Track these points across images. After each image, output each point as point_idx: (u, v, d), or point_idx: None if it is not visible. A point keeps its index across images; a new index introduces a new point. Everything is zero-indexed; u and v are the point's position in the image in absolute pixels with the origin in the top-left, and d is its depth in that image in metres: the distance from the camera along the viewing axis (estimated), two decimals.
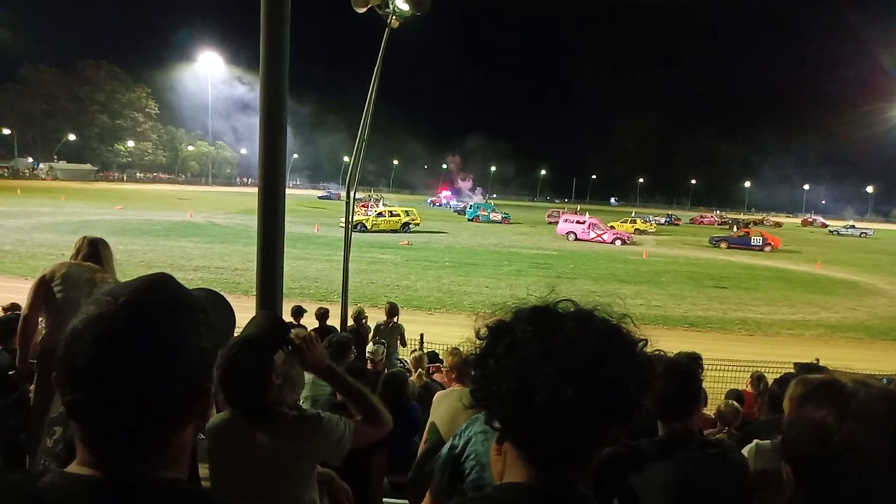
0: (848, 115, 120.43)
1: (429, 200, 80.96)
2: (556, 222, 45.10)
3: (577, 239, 39.43)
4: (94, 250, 4.06)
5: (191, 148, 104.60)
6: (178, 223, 35.07)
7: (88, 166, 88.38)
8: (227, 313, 0.99)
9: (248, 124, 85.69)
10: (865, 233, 68.04)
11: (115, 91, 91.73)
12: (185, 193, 70.53)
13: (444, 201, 76.88)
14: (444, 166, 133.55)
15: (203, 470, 2.09)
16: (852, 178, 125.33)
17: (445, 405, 3.21)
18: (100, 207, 42.03)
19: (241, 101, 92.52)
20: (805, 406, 1.02)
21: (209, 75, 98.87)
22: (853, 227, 71.73)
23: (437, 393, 3.51)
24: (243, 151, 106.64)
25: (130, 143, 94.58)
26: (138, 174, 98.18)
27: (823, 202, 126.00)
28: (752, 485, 1.95)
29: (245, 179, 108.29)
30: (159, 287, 0.84)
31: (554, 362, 0.86)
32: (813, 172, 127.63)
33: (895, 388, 3.14)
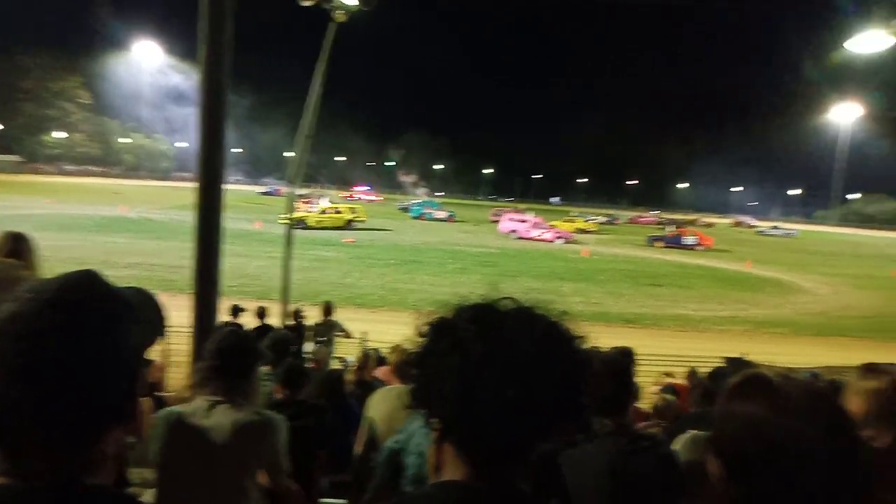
0: (776, 121, 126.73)
1: (343, 195, 79.66)
2: (500, 221, 45.57)
3: (520, 237, 39.95)
4: (16, 246, 3.84)
5: (125, 140, 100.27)
6: (110, 218, 33.63)
7: (14, 157, 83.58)
8: (156, 312, 0.96)
9: (186, 117, 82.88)
10: (790, 233, 71.57)
11: (44, 79, 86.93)
12: (119, 187, 67.61)
13: (360, 196, 76.96)
14: (389, 163, 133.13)
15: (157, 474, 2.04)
16: (778, 181, 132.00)
17: (384, 405, 3.19)
18: (27, 200, 39.82)
19: (179, 92, 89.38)
20: (734, 400, 1.05)
21: (145, 65, 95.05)
22: (778, 227, 75.35)
23: (376, 390, 3.49)
24: (181, 144, 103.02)
25: (60, 134, 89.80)
26: (68, 166, 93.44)
27: (752, 204, 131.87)
28: (683, 476, 2.03)
29: (182, 173, 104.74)
30: (84, 284, 0.81)
31: (496, 361, 0.86)
32: (743, 175, 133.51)
33: (821, 382, 3.31)
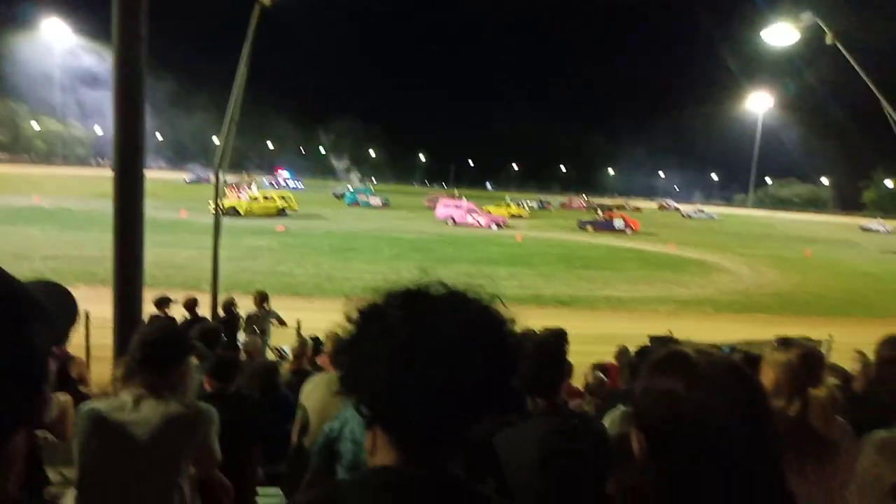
0: (697, 109, 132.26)
1: (266, 181, 77.54)
2: (435, 207, 45.66)
3: (455, 223, 40.17)
4: None
5: (36, 126, 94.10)
6: (23, 209, 31.59)
7: None
8: (67, 305, 0.90)
9: (102, 101, 78.55)
10: (712, 216, 74.98)
11: None
12: (31, 176, 63.57)
13: (281, 181, 74.60)
14: (322, 150, 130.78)
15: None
16: (699, 166, 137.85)
17: (316, 393, 3.16)
18: None
19: (93, 74, 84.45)
20: (654, 376, 1.09)
21: (55, 45, 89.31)
22: (701, 211, 78.79)
23: (309, 378, 3.44)
24: (98, 130, 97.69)
25: None
26: None
27: (676, 188, 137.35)
28: (613, 451, 2.10)
29: (101, 161, 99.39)
30: None
31: (421, 346, 0.86)
32: (666, 160, 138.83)
33: (737, 356, 3.49)
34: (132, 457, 1.94)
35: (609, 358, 7.37)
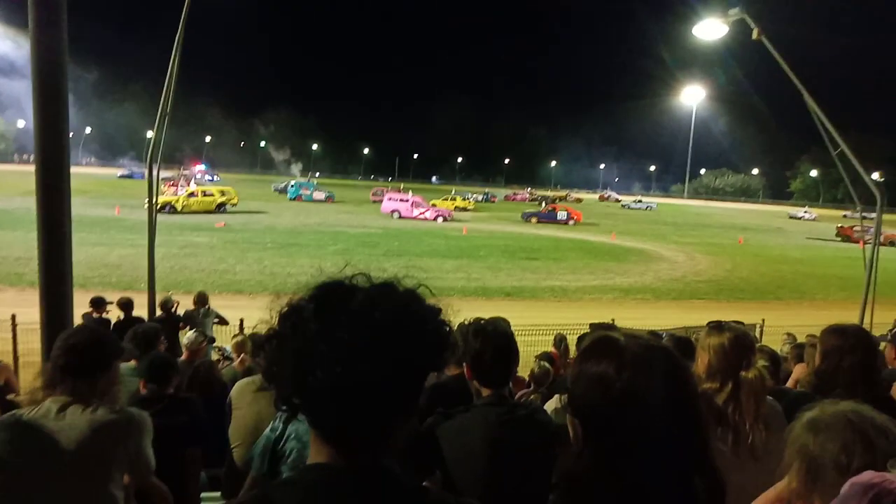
0: (633, 102, 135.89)
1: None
2: (381, 201, 45.38)
3: (401, 217, 40.06)
4: None
5: None
6: None
7: None
8: None
9: (24, 91, 74.26)
10: (650, 206, 77.26)
11: None
12: None
13: (197, 175, 71.74)
14: (262, 144, 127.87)
15: None
16: (637, 158, 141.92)
17: (248, 395, 3.08)
18: None
19: (11, 63, 79.93)
20: (586, 362, 1.12)
21: None
22: (640, 201, 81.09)
23: (237, 382, 3.35)
24: (21, 124, 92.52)
25: None
26: None
27: (616, 179, 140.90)
28: (557, 439, 2.13)
29: (25, 156, 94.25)
30: None
31: (330, 341, 0.84)
32: (607, 152, 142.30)
33: (667, 339, 3.60)
34: (58, 467, 1.84)
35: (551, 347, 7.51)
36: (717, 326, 2.19)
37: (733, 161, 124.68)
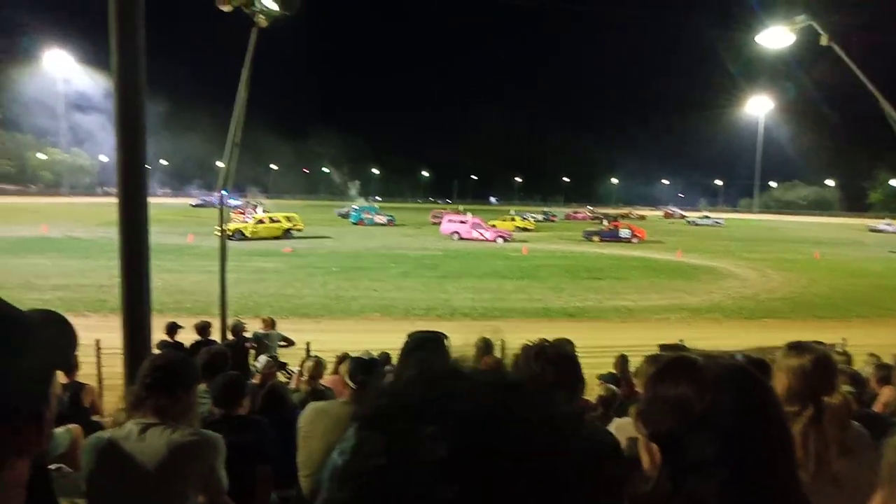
0: (696, 115, 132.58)
1: (201, 199, 76.60)
2: (440, 223, 45.72)
3: (460, 238, 40.21)
4: None
5: (41, 156, 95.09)
6: (30, 239, 31.82)
7: None
8: (64, 333, 0.89)
9: (107, 129, 79.37)
10: (718, 222, 74.78)
11: None
12: (38, 206, 64.14)
13: (213, 198, 73.79)
14: (326, 170, 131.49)
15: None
16: (703, 172, 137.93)
17: (320, 424, 3.03)
18: None
19: (95, 103, 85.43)
20: (661, 383, 1.08)
21: (61, 76, 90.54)
22: (707, 217, 78.60)
23: (308, 405, 3.27)
24: (103, 159, 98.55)
25: None
26: None
27: (680, 195, 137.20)
28: (627, 463, 2.07)
29: (107, 189, 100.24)
30: None
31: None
32: (669, 168, 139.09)
33: (743, 360, 3.45)
34: (139, 486, 1.93)
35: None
36: (796, 347, 2.08)
37: (805, 173, 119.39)
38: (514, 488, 0.48)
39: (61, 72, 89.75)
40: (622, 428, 2.50)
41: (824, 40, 7.90)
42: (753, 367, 1.15)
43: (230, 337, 8.34)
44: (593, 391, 5.06)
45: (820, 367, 1.99)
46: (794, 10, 8.15)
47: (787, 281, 25.54)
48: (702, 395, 1.02)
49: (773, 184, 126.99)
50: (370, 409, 0.55)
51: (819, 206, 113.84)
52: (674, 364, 1.11)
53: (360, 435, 0.54)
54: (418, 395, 0.54)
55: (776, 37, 8.45)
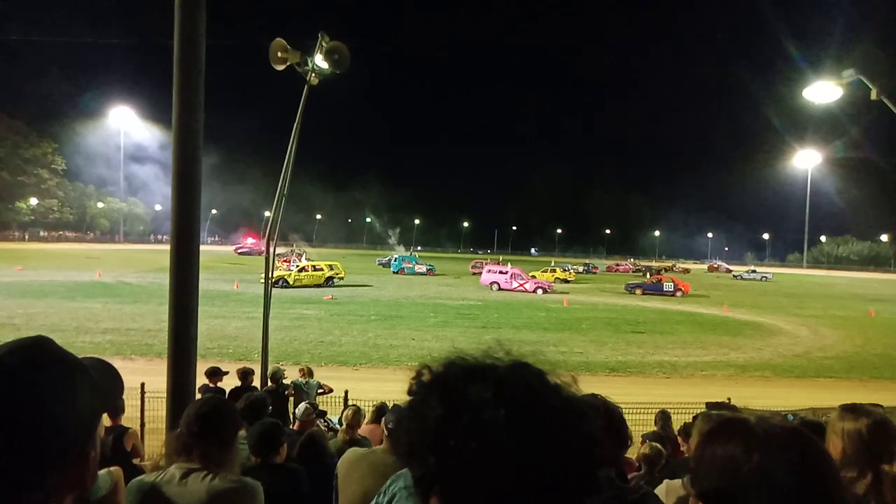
0: (742, 168, 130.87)
1: (235, 248, 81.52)
2: (480, 273, 45.73)
3: (500, 289, 40.04)
4: None
5: (101, 205, 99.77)
6: (84, 283, 33.05)
7: None
8: (112, 378, 0.94)
9: (164, 180, 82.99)
10: (766, 276, 72.70)
11: (17, 146, 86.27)
12: (94, 252, 66.89)
13: (250, 248, 77.68)
14: (368, 219, 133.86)
15: None
16: (749, 226, 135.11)
17: (356, 472, 3.03)
18: None
19: (153, 155, 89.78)
20: (712, 442, 1.07)
21: (121, 129, 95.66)
22: (754, 271, 76.55)
23: (347, 452, 3.26)
24: (158, 207, 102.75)
25: (33, 201, 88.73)
26: (42, 233, 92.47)
27: (726, 248, 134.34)
28: None
29: (159, 236, 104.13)
30: (34, 348, 0.80)
31: (530, 451, 0.78)
32: (713, 221, 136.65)
33: (796, 422, 3.31)
34: None
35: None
36: (851, 409, 1.99)
37: (857, 227, 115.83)
38: (541, 420, 0.79)
39: (122, 125, 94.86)
40: (672, 490, 2.41)
41: (874, 94, 7.78)
42: (807, 430, 1.11)
43: (270, 384, 8.40)
44: (635, 449, 4.90)
45: (878, 431, 1.90)
46: (841, 65, 8.07)
47: (840, 339, 24.48)
48: (750, 455, 1.00)
49: (823, 238, 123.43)
50: (428, 377, 0.87)
51: (873, 262, 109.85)
52: (725, 423, 1.10)
53: (422, 395, 0.85)
54: (463, 366, 0.85)
55: (824, 91, 8.35)
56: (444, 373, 0.86)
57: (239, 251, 76.84)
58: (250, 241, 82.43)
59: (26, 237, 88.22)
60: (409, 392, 0.88)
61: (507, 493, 0.76)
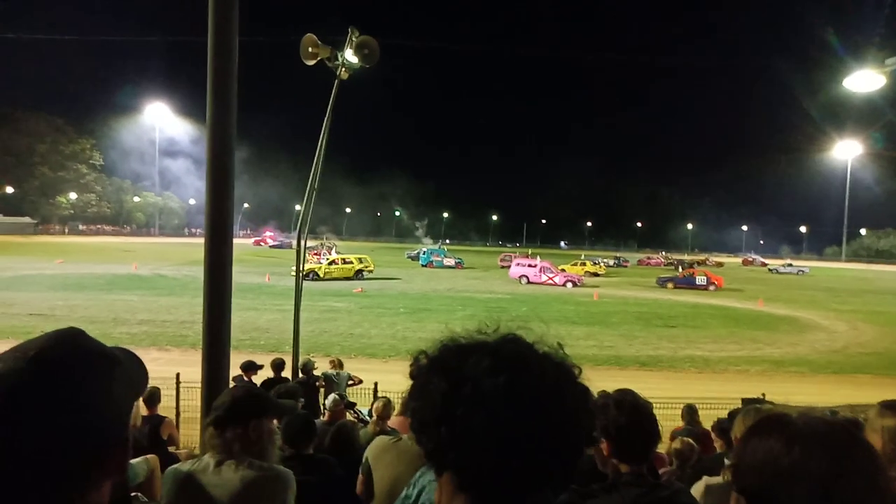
0: (779, 159, 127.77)
1: (252, 241, 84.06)
2: (509, 266, 45.57)
3: (529, 282, 39.88)
4: None
5: (137, 199, 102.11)
6: (121, 276, 33.91)
7: (27, 219, 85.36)
8: (139, 367, 0.97)
9: (197, 174, 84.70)
10: (802, 270, 71.02)
11: (58, 142, 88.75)
12: (131, 245, 68.53)
13: (269, 241, 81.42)
14: (397, 213, 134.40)
15: None
16: (785, 219, 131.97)
17: (387, 457, 3.12)
18: (38, 261, 40.35)
19: (189, 150, 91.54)
20: (753, 437, 1.07)
21: (157, 125, 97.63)
22: (791, 265, 74.81)
23: (377, 437, 3.38)
24: (192, 201, 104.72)
25: (73, 196, 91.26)
26: (81, 226, 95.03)
27: (761, 242, 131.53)
28: None
29: (194, 230, 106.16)
30: (69, 340, 0.82)
31: (530, 415, 0.85)
32: (748, 213, 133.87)
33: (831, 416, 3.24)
34: None
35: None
36: (891, 406, 1.94)
37: (892, 220, 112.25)
38: (537, 385, 0.87)
39: (157, 121, 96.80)
40: (712, 488, 2.38)
41: None
42: (851, 425, 1.11)
43: (301, 375, 8.52)
44: (664, 445, 4.85)
45: None
46: (884, 53, 7.82)
47: (880, 335, 23.81)
48: (790, 450, 1.00)
49: (863, 231, 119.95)
50: (426, 360, 0.97)
51: None
52: (767, 418, 1.10)
53: (424, 376, 0.94)
54: (458, 344, 0.96)
55: (865, 80, 8.11)
56: (441, 353, 0.95)
57: (271, 245, 77.99)
58: (268, 234, 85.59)
59: (66, 231, 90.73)
60: (411, 376, 0.98)
61: (516, 452, 0.84)
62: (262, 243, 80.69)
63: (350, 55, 7.78)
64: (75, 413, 0.77)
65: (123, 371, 0.85)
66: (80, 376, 0.79)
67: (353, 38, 7.77)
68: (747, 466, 1.05)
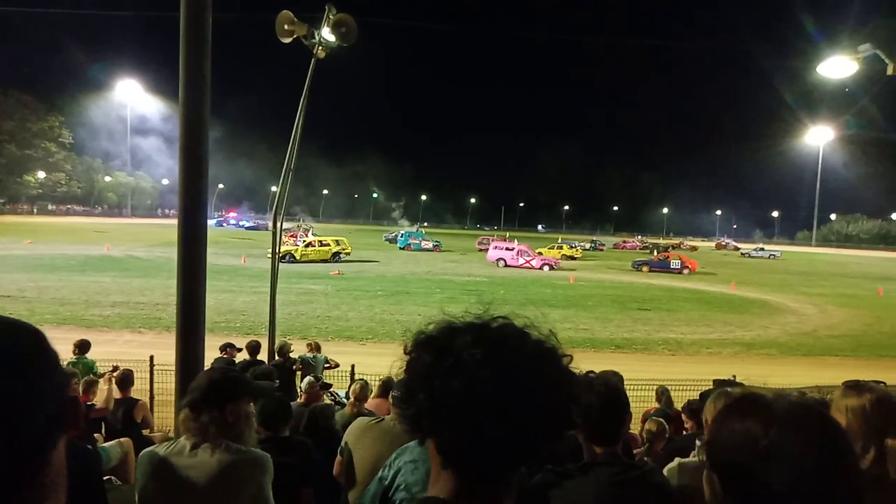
0: (752, 145, 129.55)
1: (216, 221, 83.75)
2: (487, 249, 45.71)
3: (506, 265, 40.06)
4: None
5: (108, 178, 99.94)
6: (94, 257, 33.28)
7: None
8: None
9: (169, 153, 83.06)
10: (774, 254, 72.35)
11: (25, 119, 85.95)
12: (102, 226, 67.23)
13: (231, 221, 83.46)
14: (375, 195, 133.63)
15: None
16: (758, 203, 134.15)
17: (366, 439, 3.13)
18: (7, 242, 39.39)
19: (161, 129, 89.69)
20: (729, 418, 1.09)
21: (128, 103, 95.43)
22: (762, 249, 76.16)
23: (357, 419, 3.39)
24: (165, 181, 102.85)
25: (41, 175, 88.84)
26: (50, 206, 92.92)
27: (734, 226, 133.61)
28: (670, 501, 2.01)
29: (167, 211, 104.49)
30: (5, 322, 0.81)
31: (504, 385, 0.89)
32: (722, 198, 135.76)
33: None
34: (189, 501, 1.97)
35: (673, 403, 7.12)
36: (854, 386, 1.99)
37: (868, 205, 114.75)
38: (513, 359, 0.91)
39: (128, 98, 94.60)
40: (686, 468, 2.43)
41: (891, 69, 7.64)
42: (822, 405, 1.14)
43: (277, 358, 8.48)
44: (637, 425, 4.93)
45: (881, 407, 1.90)
46: (857, 39, 7.91)
47: (848, 317, 24.43)
48: (767, 431, 1.02)
49: (832, 216, 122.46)
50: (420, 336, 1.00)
51: (883, 240, 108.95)
52: (743, 398, 1.12)
53: (415, 352, 0.99)
54: (452, 325, 0.98)
55: (839, 66, 8.21)
56: (435, 332, 1.00)
57: (246, 226, 77.11)
58: (231, 214, 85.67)
59: (35, 211, 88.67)
60: (405, 352, 1.03)
61: (491, 422, 0.88)
62: (224, 224, 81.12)
63: (327, 33, 7.65)
64: (44, 383, 0.76)
65: (41, 337, 0.84)
66: (32, 350, 0.78)
67: (331, 16, 7.65)
68: (723, 446, 1.07)
